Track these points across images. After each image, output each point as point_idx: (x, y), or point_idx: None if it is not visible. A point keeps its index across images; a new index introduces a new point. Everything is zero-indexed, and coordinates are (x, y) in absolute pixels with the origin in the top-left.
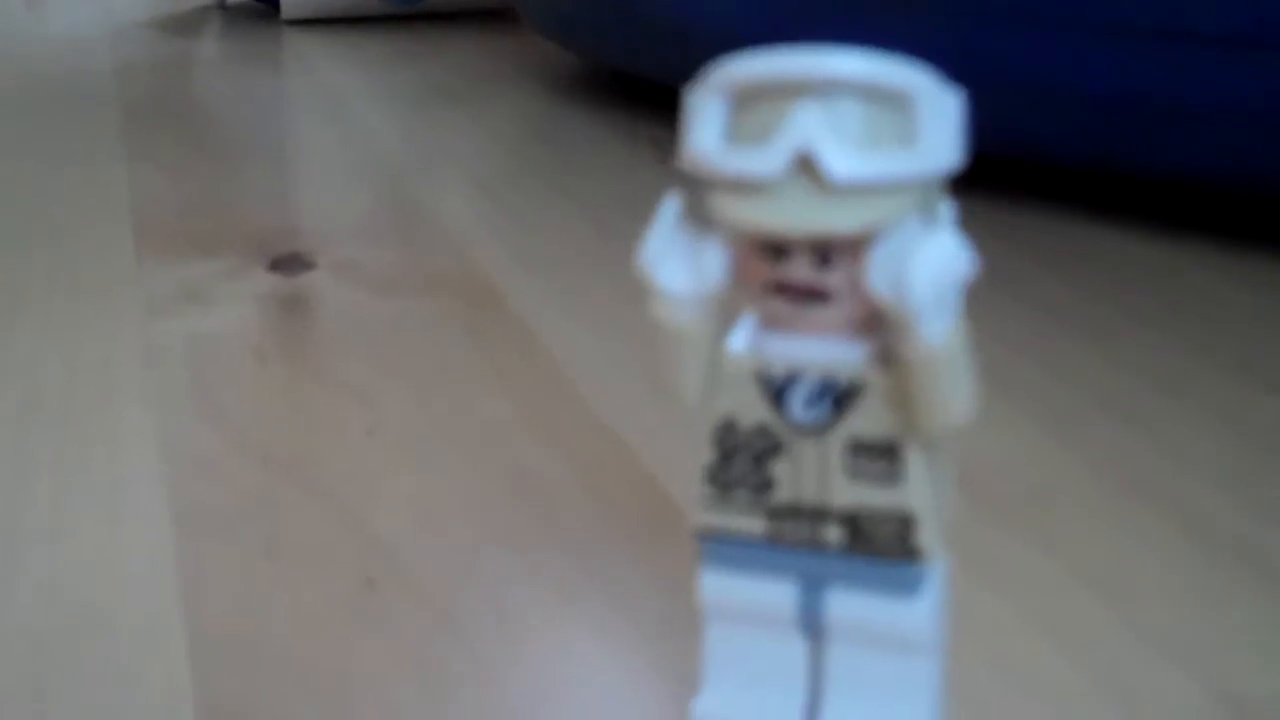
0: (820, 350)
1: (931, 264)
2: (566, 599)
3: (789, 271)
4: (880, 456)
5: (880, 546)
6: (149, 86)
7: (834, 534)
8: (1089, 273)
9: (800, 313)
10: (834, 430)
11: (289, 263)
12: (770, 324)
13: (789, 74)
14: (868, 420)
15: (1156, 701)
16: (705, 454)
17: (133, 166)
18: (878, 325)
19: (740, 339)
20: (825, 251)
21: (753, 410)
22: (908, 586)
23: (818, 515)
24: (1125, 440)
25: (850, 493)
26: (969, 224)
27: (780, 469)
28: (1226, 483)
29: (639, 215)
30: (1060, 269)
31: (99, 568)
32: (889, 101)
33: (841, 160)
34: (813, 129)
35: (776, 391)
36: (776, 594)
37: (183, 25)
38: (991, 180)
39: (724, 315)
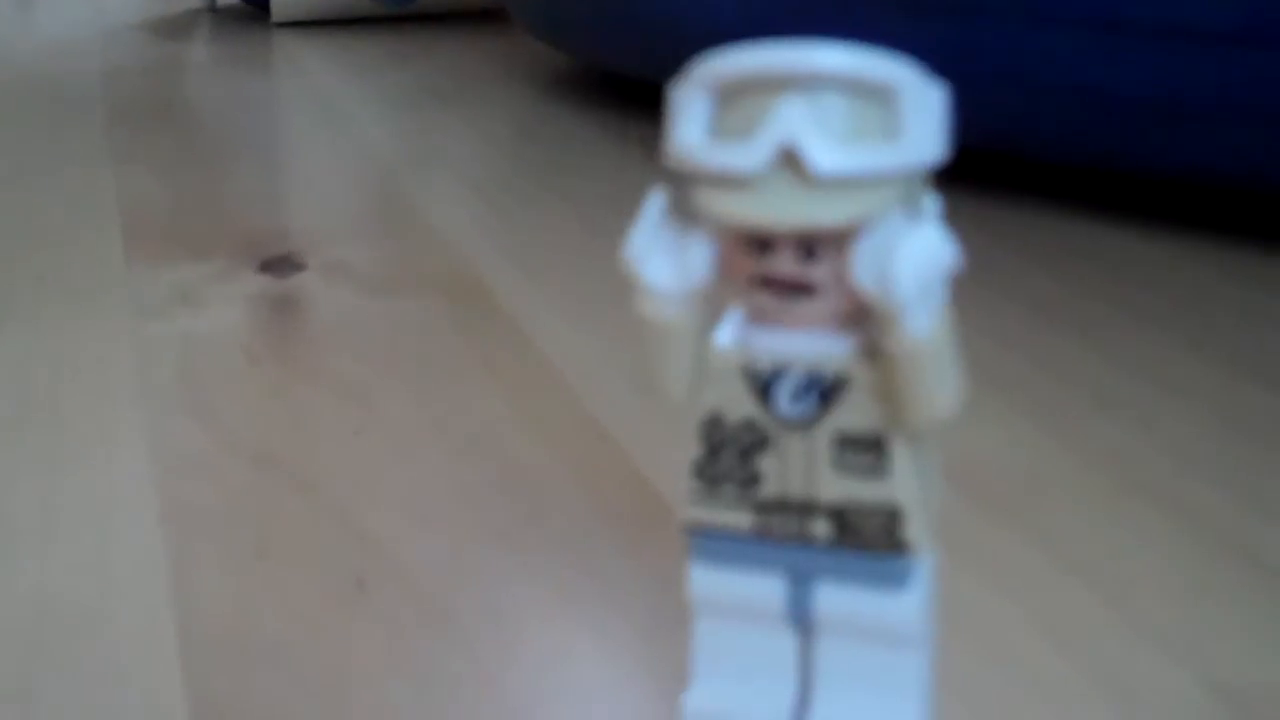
0: (806, 344)
1: (916, 257)
2: (558, 595)
3: (774, 265)
4: (867, 450)
5: (868, 540)
6: (139, 89)
7: (822, 528)
8: (1078, 268)
9: (786, 307)
10: (820, 424)
11: (279, 264)
12: (756, 318)
13: (773, 68)
14: (854, 414)
15: (1152, 695)
16: (692, 449)
17: (122, 169)
18: (863, 319)
19: (726, 333)
20: (810, 245)
21: (739, 405)
22: (896, 580)
23: (805, 509)
24: (1118, 435)
25: (837, 486)
26: (954, 218)
27: (767, 463)
28: (1221, 477)
29: (629, 213)
30: (1049, 264)
31: (90, 568)
32: (873, 95)
33: (825, 154)
34: (796, 123)
35: (763, 386)
36: (765, 588)
37: (172, 27)
38: (978, 175)
39: (710, 310)
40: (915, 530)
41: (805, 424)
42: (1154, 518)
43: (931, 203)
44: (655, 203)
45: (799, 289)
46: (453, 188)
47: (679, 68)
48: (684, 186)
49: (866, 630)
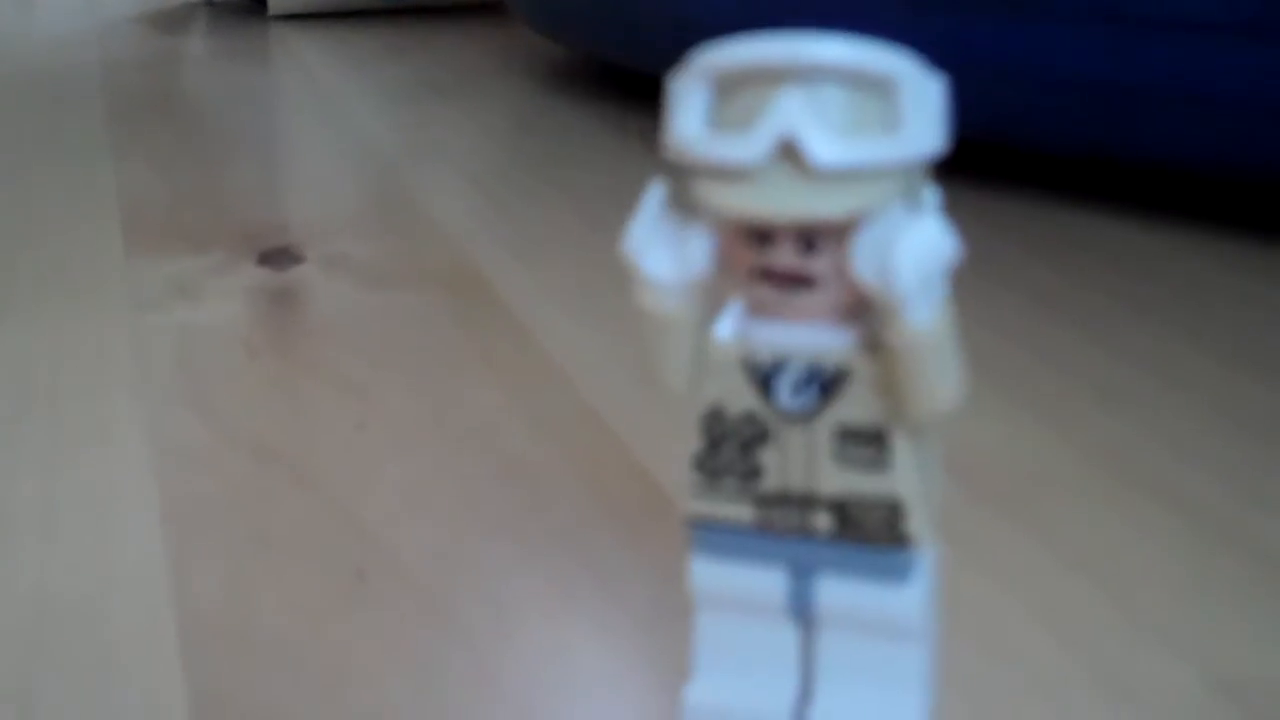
0: (806, 337)
1: (916, 249)
2: (558, 588)
3: (774, 258)
4: (868, 443)
5: (869, 533)
6: (137, 82)
7: (823, 521)
8: (1078, 259)
9: (786, 299)
10: (821, 417)
11: (278, 257)
12: (756, 311)
13: (772, 60)
14: (855, 407)
15: (1152, 688)
16: (693, 442)
17: (120, 162)
18: (864, 311)
19: (726, 326)
20: (810, 237)
21: (740, 397)
22: (897, 573)
23: (806, 502)
24: (1118, 428)
25: (838, 479)
26: (955, 210)
27: (768, 456)
28: (1220, 469)
29: (628, 206)
30: (1049, 256)
31: (89, 562)
32: (872, 87)
33: (825, 146)
34: (796, 115)
35: (763, 378)
36: (766, 581)
37: (170, 21)
38: (978, 167)
39: (710, 303)
40: (917, 523)
41: (806, 417)
42: (1155, 511)
43: (931, 195)
44: (654, 195)
45: (799, 281)
46: (451, 180)
47: (678, 60)
48: (683, 178)
49: (868, 624)
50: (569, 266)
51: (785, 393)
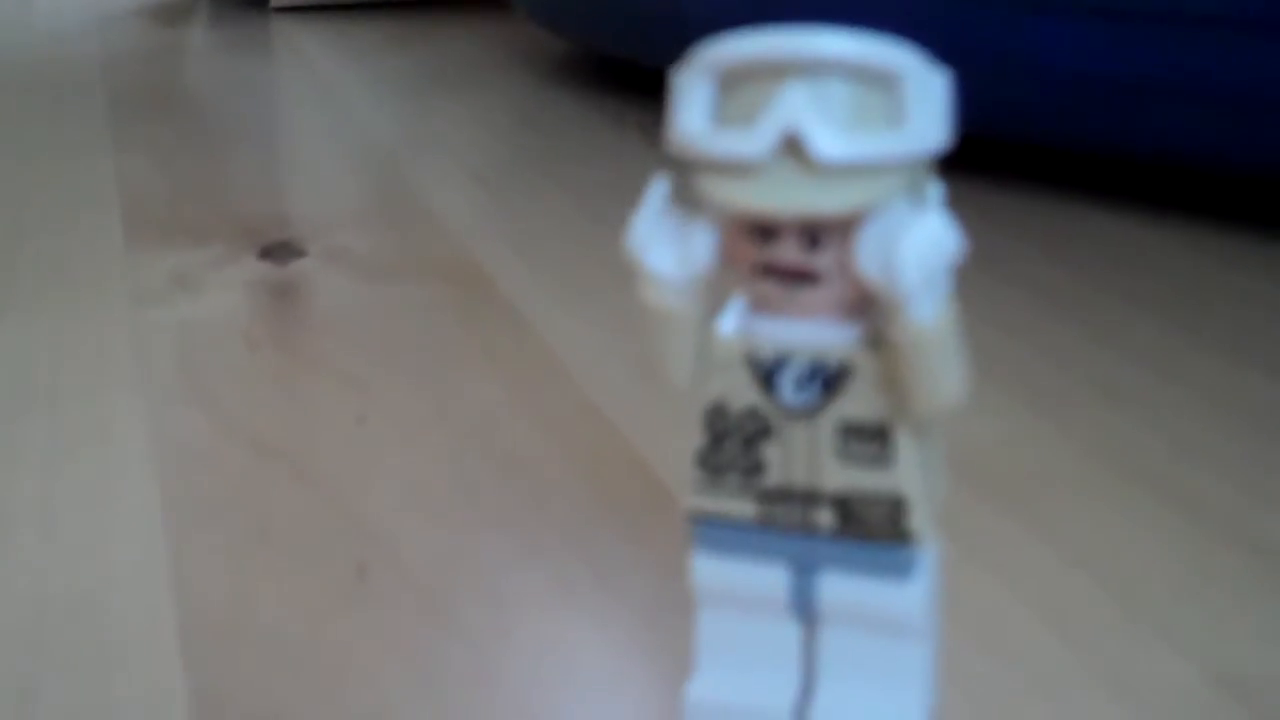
0: (810, 332)
1: (920, 245)
2: (559, 583)
3: (777, 253)
4: (871, 439)
5: (872, 529)
6: (137, 75)
7: (825, 517)
8: (1082, 256)
9: (789, 295)
10: (824, 413)
11: (279, 250)
12: (759, 306)
13: (776, 55)
14: (858, 403)
15: (1153, 685)
16: (696, 437)
17: (121, 155)
18: (867, 307)
19: (729, 322)
20: (814, 233)
21: (743, 393)
22: (900, 569)
23: (809, 498)
24: (1119, 423)
25: (841, 476)
26: (958, 205)
27: (771, 452)
28: (1222, 465)
29: (629, 200)
30: (1051, 251)
31: (90, 556)
32: (877, 82)
33: (829, 141)
34: (800, 110)
35: (766, 374)
36: (768, 578)
37: (171, 13)
38: (981, 162)
39: (713, 298)
40: (919, 520)
41: (809, 413)
42: (1156, 507)
43: (936, 190)
44: (658, 190)
45: (802, 277)
46: (452, 174)
47: (680, 54)
48: (687, 173)
49: (870, 620)
50: (570, 260)
51: (788, 389)
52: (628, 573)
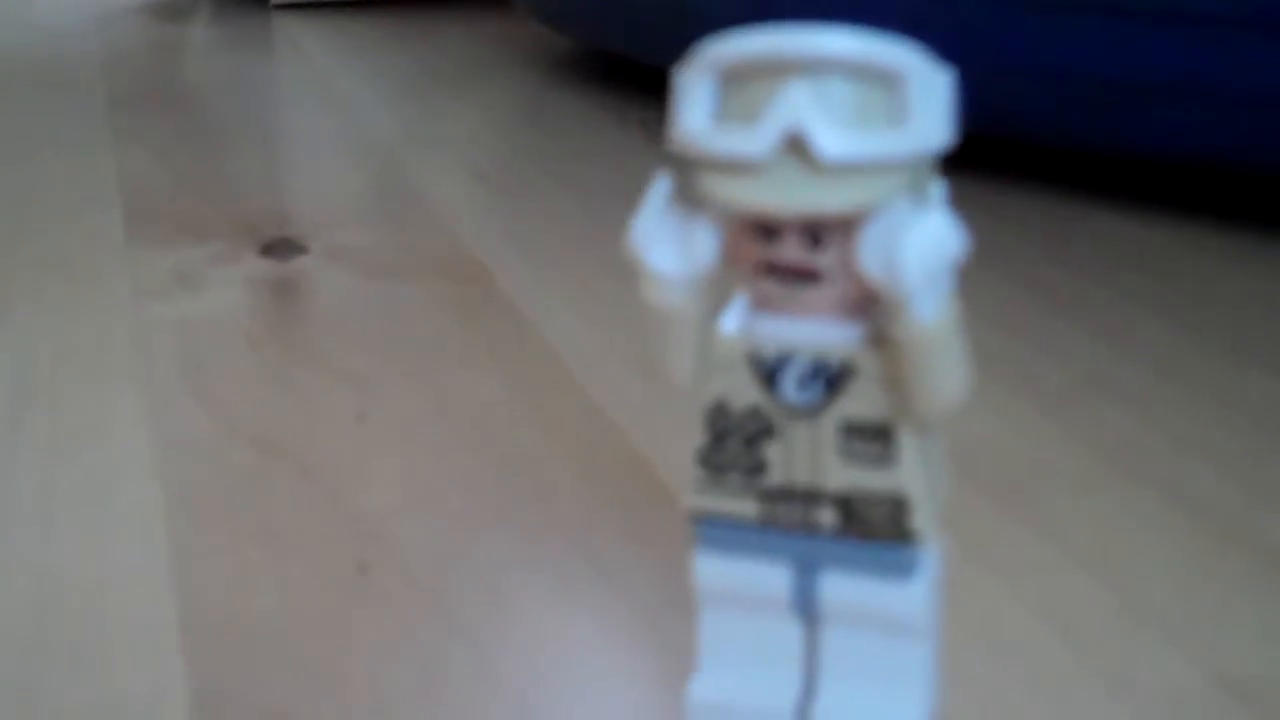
0: (812, 331)
1: (923, 244)
2: (560, 582)
3: (780, 252)
4: (873, 438)
5: (874, 529)
6: (138, 72)
7: (827, 516)
8: (1083, 254)
9: (791, 293)
10: (826, 412)
11: (280, 247)
12: (762, 305)
13: (778, 53)
14: (860, 402)
15: (1153, 682)
16: (697, 436)
17: (122, 152)
18: (870, 306)
19: (732, 320)
20: (816, 232)
21: (745, 392)
22: (902, 569)
23: (811, 498)
24: (1120, 421)
25: (843, 475)
26: (961, 204)
27: (773, 451)
28: (1223, 464)
29: (630, 198)
30: (1054, 250)
31: (90, 552)
32: (879, 80)
33: (831, 139)
34: (803, 108)
35: (768, 373)
36: (770, 577)
37: (172, 10)
38: (983, 160)
39: (715, 297)
40: (922, 519)
41: (811, 412)
42: (1158, 506)
43: (938, 189)
44: (660, 188)
45: (805, 276)
46: (454, 171)
47: (682, 52)
48: (689, 172)
49: (872, 620)
50: (571, 258)
51: (790, 387)
52: (628, 571)
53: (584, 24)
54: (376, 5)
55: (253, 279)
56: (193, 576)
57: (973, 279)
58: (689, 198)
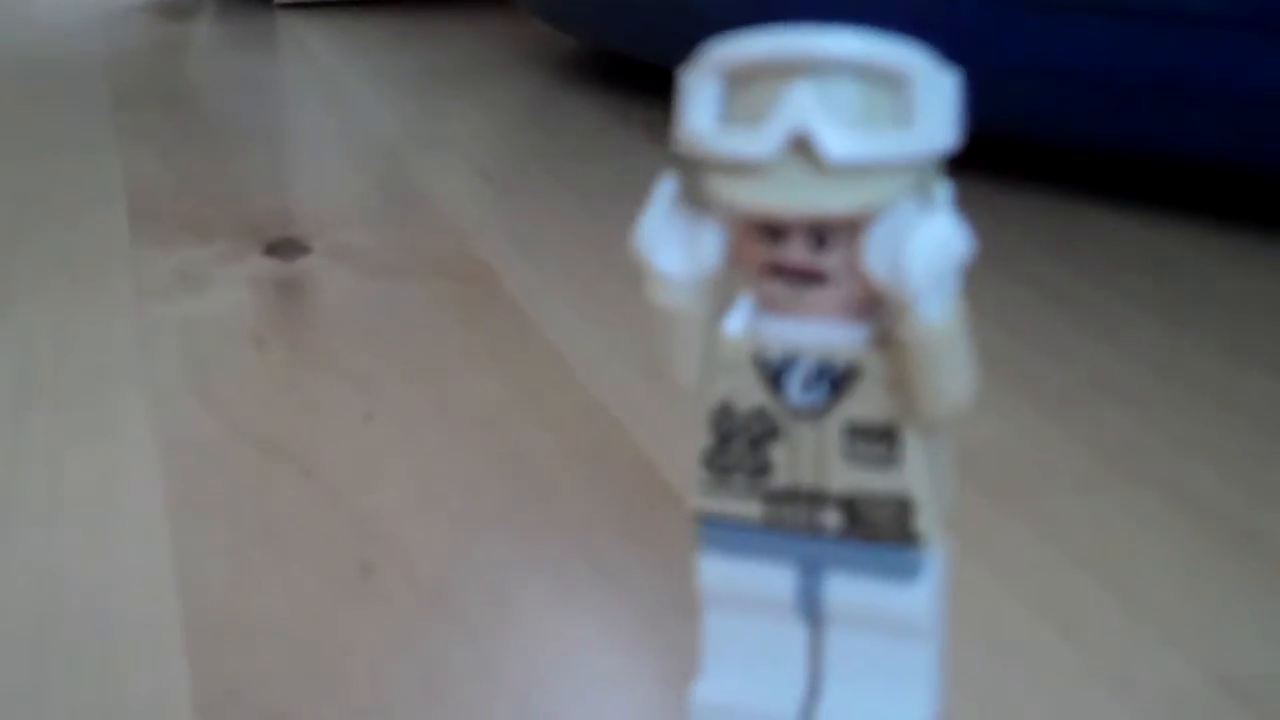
0: (818, 333)
1: (928, 245)
2: (563, 583)
3: (785, 253)
4: (878, 440)
5: (879, 531)
6: (142, 71)
7: (832, 518)
8: (1086, 255)
9: (797, 295)
10: (831, 413)
11: (284, 247)
12: (767, 306)
13: (784, 54)
14: (865, 403)
15: (1154, 682)
16: (702, 438)
17: (127, 151)
18: (875, 307)
19: (737, 322)
20: (821, 233)
21: (750, 393)
22: (906, 571)
23: (815, 499)
24: (1122, 421)
25: (848, 476)
26: (966, 205)
27: (778, 453)
28: (1223, 464)
29: (634, 198)
30: (1055, 250)
31: (94, 553)
32: (885, 81)
33: (837, 140)
34: (808, 109)
35: (774, 374)
36: (775, 579)
37: (175, 9)
38: (988, 161)
39: (720, 298)
40: (926, 521)
41: (816, 413)
42: (1159, 506)
43: (944, 190)
44: (665, 189)
45: (810, 277)
46: (458, 171)
47: (688, 52)
48: (694, 173)
49: (876, 621)
50: (575, 258)
51: (796, 389)
52: (632, 572)
53: (588, 24)
54: (380, 4)
55: (257, 279)
56: (196, 577)
57: (974, 278)
58: (694, 199)
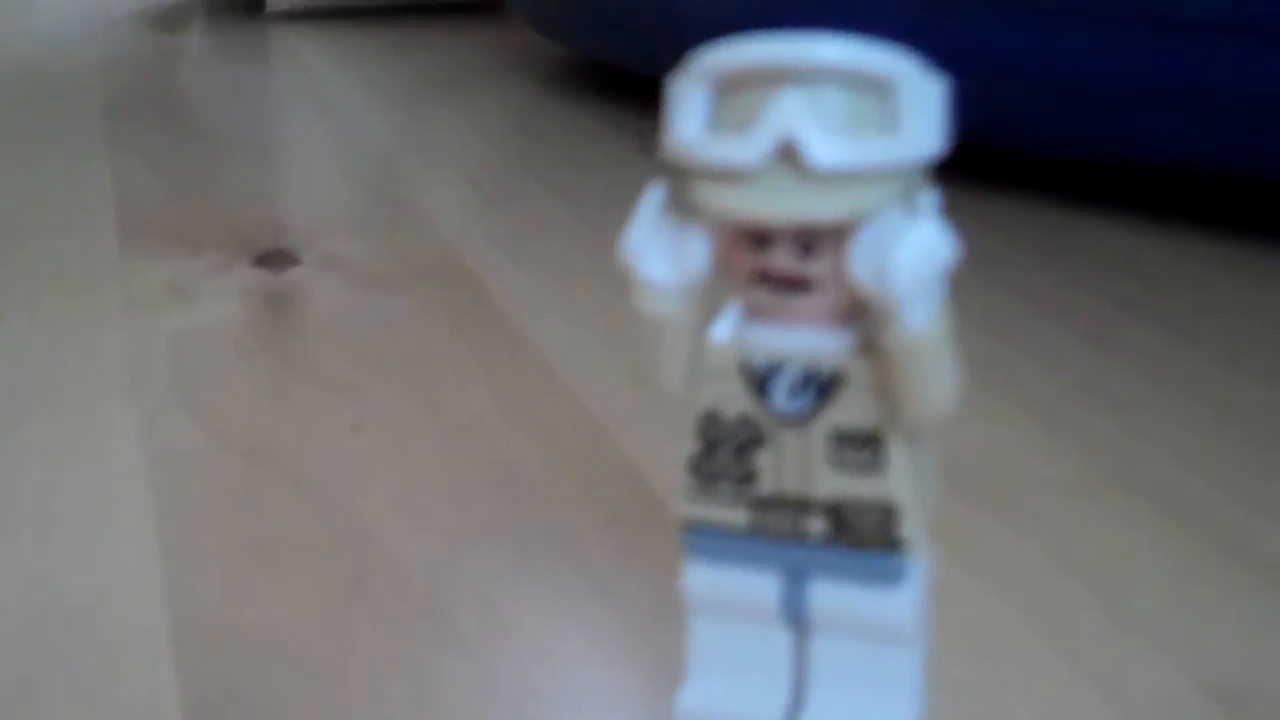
0: (803, 340)
1: (914, 252)
2: (552, 592)
3: (772, 260)
4: (863, 446)
5: (863, 537)
6: (134, 81)
7: (817, 525)
8: (1075, 262)
9: (783, 302)
10: (817, 420)
11: (274, 258)
12: (754, 314)
13: (771, 61)
14: (850, 410)
15: (1142, 690)
16: (689, 445)
17: (117, 162)
18: (861, 314)
19: (723, 329)
20: (808, 240)
21: (736, 401)
22: (891, 577)
23: (801, 506)
24: (1110, 429)
25: (833, 483)
26: (953, 212)
27: (763, 460)
28: (1212, 471)
29: (623, 207)
30: (1046, 258)
31: (84, 563)
32: (872, 88)
33: (824, 148)
34: (795, 116)
35: (759, 381)
36: (760, 586)
37: (168, 20)
38: (975, 168)
39: (707, 305)
40: (911, 527)
41: (802, 420)
42: (1147, 514)
43: (931, 197)
44: (653, 197)
45: (797, 284)
46: (448, 181)
47: (677, 61)
48: (682, 180)
49: (861, 627)
50: (564, 267)
51: (781, 396)
52: (621, 581)
53: (578, 33)
54: (371, 14)
55: (246, 290)
56: (186, 587)
57: (963, 285)
58: (682, 206)
